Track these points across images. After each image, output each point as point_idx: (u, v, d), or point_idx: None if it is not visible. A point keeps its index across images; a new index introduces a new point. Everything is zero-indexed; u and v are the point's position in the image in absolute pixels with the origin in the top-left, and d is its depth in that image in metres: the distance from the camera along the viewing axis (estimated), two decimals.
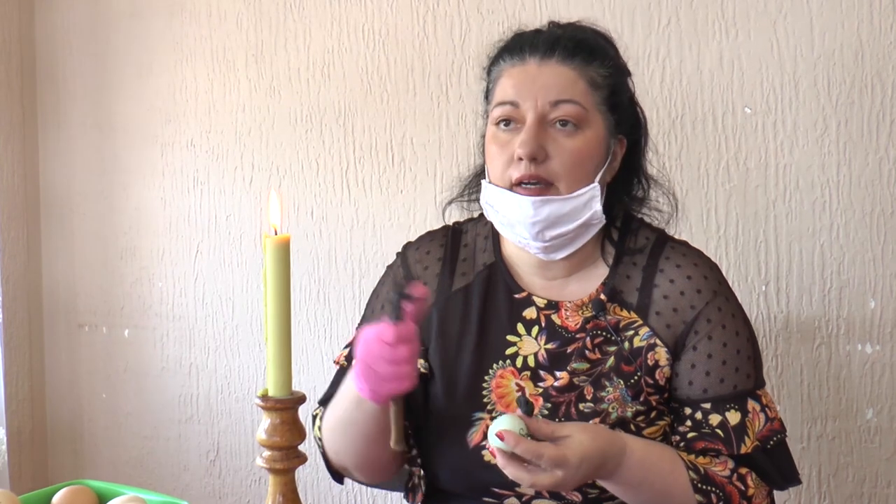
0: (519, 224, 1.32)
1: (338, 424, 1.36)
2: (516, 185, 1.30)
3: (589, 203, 1.31)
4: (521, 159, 1.29)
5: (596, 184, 1.32)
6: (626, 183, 1.41)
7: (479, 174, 1.44)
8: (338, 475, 1.45)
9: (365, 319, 1.47)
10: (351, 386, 1.28)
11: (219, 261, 2.32)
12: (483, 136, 1.39)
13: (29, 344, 2.50)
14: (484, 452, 1.34)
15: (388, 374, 1.18)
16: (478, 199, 1.43)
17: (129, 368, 2.45)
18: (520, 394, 1.33)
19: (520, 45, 1.34)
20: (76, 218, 2.48)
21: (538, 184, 1.30)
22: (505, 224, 1.35)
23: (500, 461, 1.17)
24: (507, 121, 1.32)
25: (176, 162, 2.35)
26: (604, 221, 1.34)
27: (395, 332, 1.17)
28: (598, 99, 1.32)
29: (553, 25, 1.40)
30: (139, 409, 2.45)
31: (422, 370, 1.39)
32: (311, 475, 2.22)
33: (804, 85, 1.76)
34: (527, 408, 1.22)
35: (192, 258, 2.35)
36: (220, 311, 2.33)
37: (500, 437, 1.16)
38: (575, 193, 1.30)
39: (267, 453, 0.98)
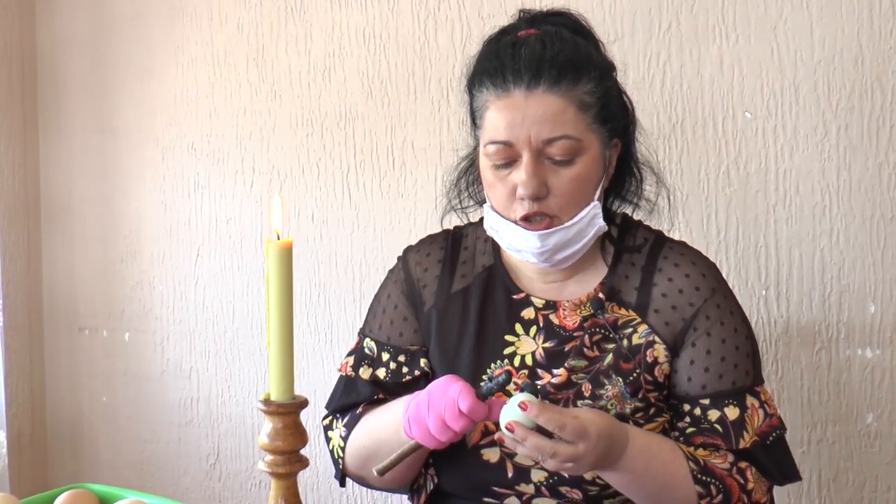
0: (526, 252, 1.33)
1: (371, 445, 1.38)
2: (521, 219, 1.31)
3: (592, 221, 1.32)
4: (522, 199, 1.29)
5: (596, 202, 1.33)
6: (623, 179, 1.42)
7: (463, 176, 1.45)
8: (344, 480, 1.47)
9: (367, 324, 1.49)
10: (394, 414, 1.32)
11: (219, 264, 2.32)
12: (475, 148, 1.39)
13: (29, 347, 2.50)
14: (483, 451, 1.34)
15: (438, 431, 1.22)
16: (471, 204, 1.45)
17: (130, 372, 2.45)
18: (526, 381, 1.33)
19: (501, 72, 1.29)
20: (77, 221, 2.48)
21: (542, 217, 1.30)
22: (512, 250, 1.36)
23: (518, 434, 1.17)
24: (502, 158, 1.30)
25: (177, 166, 2.35)
26: (605, 228, 1.35)
27: (470, 405, 1.20)
28: (590, 119, 1.30)
29: (525, 19, 1.37)
30: (139, 412, 2.45)
31: (426, 370, 1.42)
32: (311, 478, 2.22)
33: (804, 90, 1.76)
34: (532, 389, 1.22)
35: (193, 262, 2.35)
36: (221, 315, 2.33)
37: (524, 406, 1.15)
38: (577, 218, 1.31)
39: (269, 457, 0.98)
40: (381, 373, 1.43)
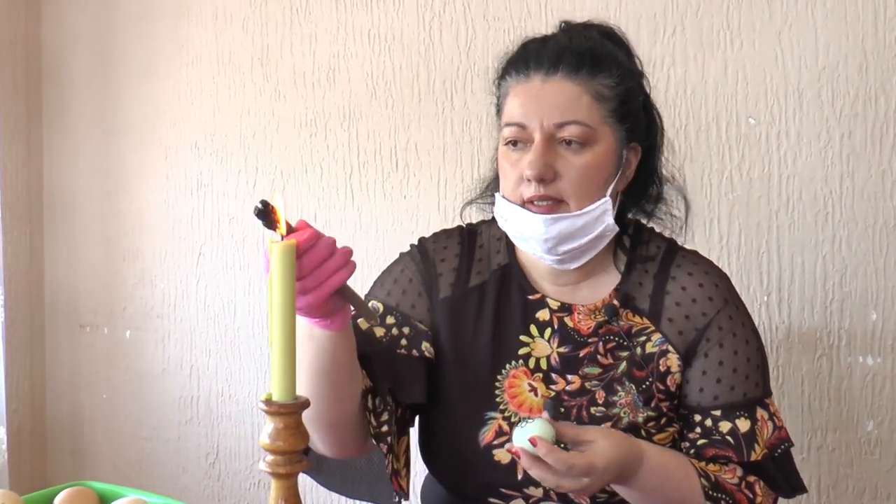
0: (532, 239, 1.33)
1: (314, 386, 1.22)
2: (528, 203, 1.31)
3: (601, 217, 1.32)
4: (529, 180, 1.30)
5: (607, 198, 1.32)
6: (641, 189, 1.41)
7: (498, 178, 1.45)
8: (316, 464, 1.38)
9: (371, 293, 1.42)
10: (300, 339, 1.12)
11: (221, 263, 2.32)
12: (497, 148, 1.40)
13: (30, 344, 2.50)
14: (494, 452, 1.34)
15: (308, 276, 1.07)
16: (494, 202, 1.44)
17: (130, 370, 2.45)
18: (548, 399, 1.33)
19: (525, 59, 1.33)
20: (79, 219, 2.48)
21: (549, 201, 1.30)
22: (518, 237, 1.36)
23: (525, 462, 1.17)
24: (515, 141, 1.33)
25: (180, 164, 2.35)
26: (616, 231, 1.35)
27: (297, 223, 1.05)
28: (606, 112, 1.31)
29: (563, 29, 1.40)
30: (139, 410, 2.45)
31: (426, 354, 1.37)
32: (310, 479, 2.21)
33: (808, 96, 1.76)
34: (555, 412, 1.22)
35: (195, 260, 2.35)
36: (222, 314, 2.33)
37: (533, 442, 1.16)
38: (586, 209, 1.31)
39: (270, 458, 0.98)
40: (380, 331, 1.36)
